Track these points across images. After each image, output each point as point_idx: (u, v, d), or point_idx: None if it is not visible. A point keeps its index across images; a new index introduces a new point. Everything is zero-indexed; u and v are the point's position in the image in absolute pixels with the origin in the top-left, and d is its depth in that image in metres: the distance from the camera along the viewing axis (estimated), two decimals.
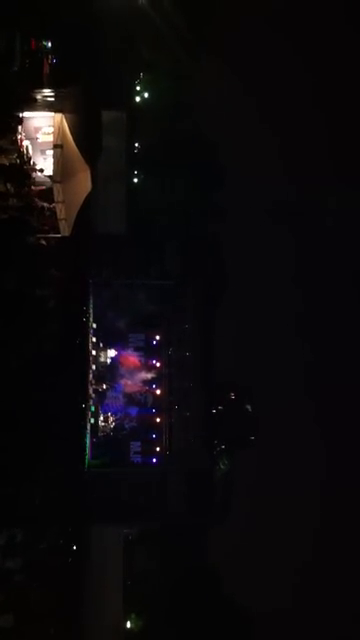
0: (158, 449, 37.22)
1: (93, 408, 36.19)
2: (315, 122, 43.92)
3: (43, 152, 29.07)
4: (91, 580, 33.35)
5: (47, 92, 28.10)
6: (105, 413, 37.53)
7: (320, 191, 44.68)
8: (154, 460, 37.10)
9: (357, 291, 46.35)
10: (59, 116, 27.94)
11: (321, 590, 44.46)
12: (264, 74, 41.96)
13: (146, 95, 37.72)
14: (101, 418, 37.29)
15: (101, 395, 37.37)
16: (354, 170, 44.42)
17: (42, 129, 28.82)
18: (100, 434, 36.95)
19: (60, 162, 27.70)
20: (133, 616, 36.21)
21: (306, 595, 44.46)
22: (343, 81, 44.00)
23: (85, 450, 34.57)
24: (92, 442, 35.78)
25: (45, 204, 28.87)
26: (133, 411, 37.78)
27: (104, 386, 37.61)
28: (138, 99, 37.71)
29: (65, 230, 29.25)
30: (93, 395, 36.46)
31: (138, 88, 37.73)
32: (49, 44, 28.78)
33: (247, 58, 40.50)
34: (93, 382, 36.45)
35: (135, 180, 37.82)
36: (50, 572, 30.46)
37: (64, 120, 27.95)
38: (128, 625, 35.77)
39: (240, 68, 40.09)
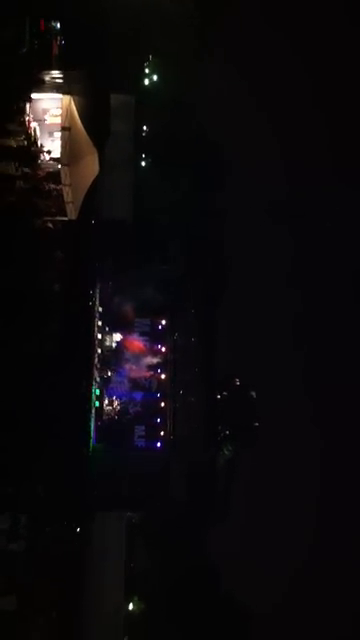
0: (162, 434, 37.30)
1: (98, 392, 36.24)
2: (317, 122, 43.92)
3: (51, 134, 28.99)
4: (93, 563, 33.55)
5: (56, 74, 28.00)
6: (110, 397, 37.58)
7: (321, 192, 44.66)
8: (158, 444, 37.19)
9: (356, 290, 46.48)
10: (67, 98, 27.85)
11: (321, 586, 44.67)
12: (269, 71, 41.88)
13: (155, 78, 37.45)
14: (106, 402, 37.34)
15: (106, 379, 37.42)
16: (354, 171, 44.42)
17: (50, 111, 28.73)
18: (104, 418, 37.01)
19: (68, 145, 27.66)
20: (135, 599, 36.43)
21: (305, 588, 44.69)
22: (345, 81, 43.91)
23: (89, 434, 34.63)
24: (96, 426, 35.84)
25: (52, 186, 28.81)
26: (138, 395, 37.82)
27: (109, 371, 37.65)
28: (147, 82, 37.45)
29: (72, 213, 29.22)
30: (98, 379, 36.49)
31: (147, 71, 37.47)
32: (58, 25, 28.52)
33: (253, 52, 40.37)
34: (98, 366, 36.47)
35: (143, 164, 37.62)
36: (53, 555, 30.62)
37: (72, 102, 27.86)
38: (130, 607, 35.99)
39: (246, 62, 39.96)
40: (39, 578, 29.91)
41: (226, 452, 38.36)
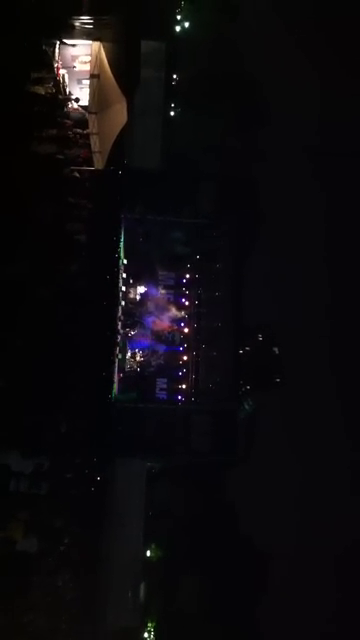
0: (184, 387, 37.57)
1: (121, 344, 36.40)
2: None
3: (79, 82, 28.64)
4: (113, 510, 34.19)
5: (86, 19, 27.46)
6: (133, 349, 37.82)
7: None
8: (179, 397, 37.51)
9: None
10: (97, 45, 27.31)
11: (339, 531, 45.15)
12: (310, 10, 40.48)
13: (187, 25, 36.54)
14: (128, 354, 37.60)
15: (129, 331, 37.58)
16: None
17: (79, 58, 28.29)
18: (127, 370, 37.31)
19: (96, 92, 27.19)
20: (152, 546, 37.18)
21: (320, 535, 45.20)
22: None
23: (112, 385, 34.96)
24: (119, 377, 36.13)
25: (79, 135, 28.51)
26: (160, 348, 38.02)
27: (132, 324, 37.77)
28: (178, 29, 36.55)
29: (99, 163, 28.85)
30: (121, 331, 36.65)
31: (179, 17, 36.53)
32: None
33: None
34: (122, 318, 36.60)
35: (172, 114, 36.98)
36: (74, 500, 31.21)
37: (102, 49, 27.32)
38: (147, 554, 36.77)
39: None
40: (60, 522, 30.53)
41: (247, 407, 38.56)
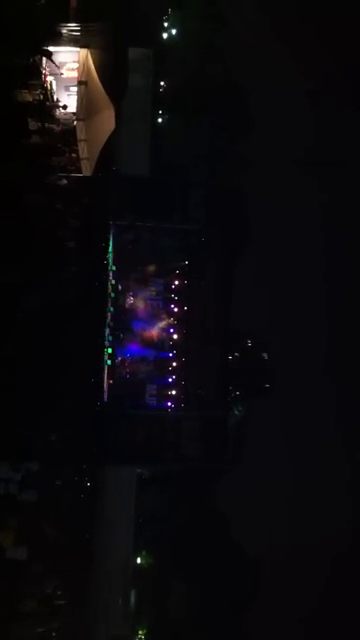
0: (174, 393, 37.53)
1: (110, 350, 36.34)
2: (351, 69, 42.64)
3: (67, 88, 28.58)
4: (103, 516, 34.13)
5: (73, 27, 27.47)
6: (122, 356, 37.76)
7: (350, 142, 43.72)
8: (169, 404, 37.46)
9: None
10: (84, 52, 27.36)
11: (327, 537, 45.24)
12: (298, 18, 40.80)
13: (174, 32, 36.74)
14: (118, 361, 37.52)
15: (118, 338, 37.53)
16: None
17: (67, 64, 28.27)
18: (116, 376, 37.21)
19: (84, 99, 27.28)
20: (143, 553, 37.12)
21: (310, 542, 45.29)
22: None
23: (102, 391, 34.92)
24: (109, 384, 36.08)
25: (67, 142, 28.54)
26: (150, 355, 37.98)
27: (121, 330, 37.74)
28: (165, 36, 36.75)
29: (87, 169, 28.93)
30: (110, 337, 36.61)
31: (166, 25, 36.74)
32: None
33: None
34: (111, 324, 36.55)
35: (159, 120, 37.14)
36: (64, 507, 31.12)
37: (89, 56, 27.38)
38: (138, 561, 36.69)
39: (273, 10, 39.03)
40: (50, 529, 30.42)
41: (237, 413, 38.61)
